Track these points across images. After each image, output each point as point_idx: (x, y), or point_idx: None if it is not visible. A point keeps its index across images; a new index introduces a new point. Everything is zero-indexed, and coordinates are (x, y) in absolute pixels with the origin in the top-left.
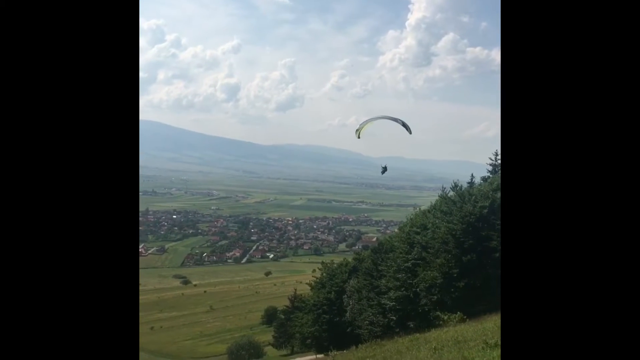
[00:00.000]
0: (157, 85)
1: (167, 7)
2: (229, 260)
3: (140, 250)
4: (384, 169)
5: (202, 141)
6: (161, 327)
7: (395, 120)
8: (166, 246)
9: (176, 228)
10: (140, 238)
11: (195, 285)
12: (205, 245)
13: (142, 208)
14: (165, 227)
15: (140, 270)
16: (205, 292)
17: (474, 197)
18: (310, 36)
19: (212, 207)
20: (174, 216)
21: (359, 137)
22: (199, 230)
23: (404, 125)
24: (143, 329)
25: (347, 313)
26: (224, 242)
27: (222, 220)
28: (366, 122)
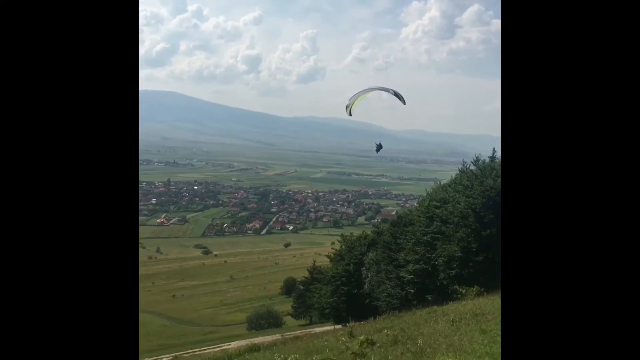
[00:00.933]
0: (178, 56)
1: None
2: (248, 232)
3: (162, 220)
4: (379, 147)
5: (223, 113)
6: (182, 295)
7: (387, 90)
8: (187, 216)
9: (197, 199)
10: (162, 208)
11: (215, 255)
12: (226, 216)
13: (164, 178)
14: (187, 198)
15: (163, 240)
16: (225, 262)
17: (495, 171)
18: (332, 7)
19: (233, 179)
20: (195, 187)
21: (350, 115)
22: (220, 202)
23: (397, 94)
24: (165, 296)
25: (366, 285)
26: (244, 213)
27: (242, 191)
28: (356, 96)
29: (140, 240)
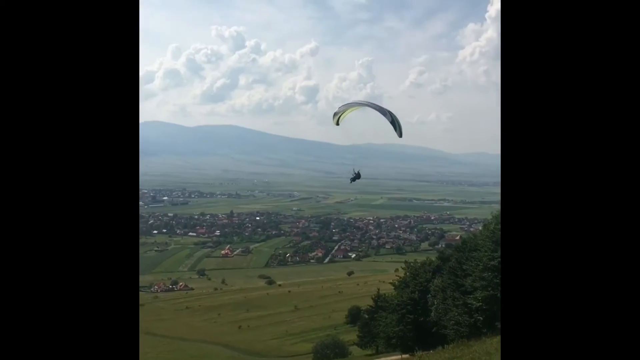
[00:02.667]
0: (238, 90)
1: (247, 13)
2: (311, 261)
3: (226, 251)
4: (355, 176)
5: (282, 143)
6: (248, 326)
7: (383, 112)
8: (251, 247)
9: (260, 229)
10: (225, 240)
11: (279, 285)
12: (288, 245)
13: (226, 210)
14: (249, 229)
15: (227, 271)
16: (289, 292)
17: None
18: (387, 34)
19: (294, 208)
20: (257, 218)
21: (337, 124)
22: (282, 231)
23: (393, 123)
24: (231, 327)
25: (432, 313)
26: (306, 242)
27: (303, 220)
28: (347, 106)
29: (206, 272)
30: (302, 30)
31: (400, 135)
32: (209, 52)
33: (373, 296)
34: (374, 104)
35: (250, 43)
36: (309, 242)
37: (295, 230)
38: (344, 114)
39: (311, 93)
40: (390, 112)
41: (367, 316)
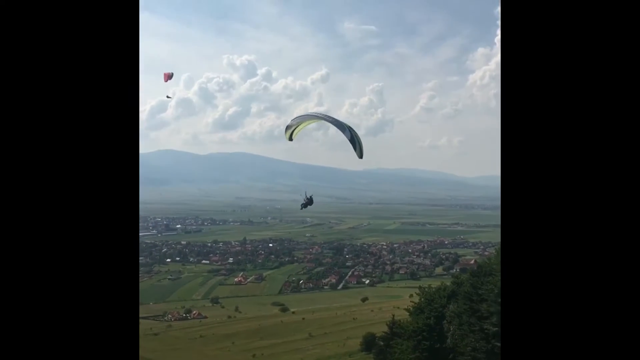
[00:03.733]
0: (250, 118)
1: (258, 42)
2: (325, 287)
3: (239, 279)
4: (307, 202)
5: (294, 170)
6: (262, 354)
7: (342, 128)
8: (264, 274)
9: (273, 256)
10: (239, 267)
11: (293, 313)
12: (302, 272)
13: (239, 238)
14: (263, 256)
15: (241, 299)
16: (303, 319)
17: None
18: (397, 60)
19: (307, 235)
20: (270, 244)
21: (290, 139)
22: (295, 258)
23: (353, 141)
24: (245, 356)
25: (448, 339)
26: (319, 268)
27: (316, 247)
28: (301, 119)
29: (220, 300)
30: (312, 58)
31: (361, 156)
32: (221, 80)
33: (388, 322)
34: (333, 118)
35: (261, 71)
36: (323, 268)
37: (309, 256)
38: (298, 128)
39: None
40: (350, 129)
41: (382, 343)
